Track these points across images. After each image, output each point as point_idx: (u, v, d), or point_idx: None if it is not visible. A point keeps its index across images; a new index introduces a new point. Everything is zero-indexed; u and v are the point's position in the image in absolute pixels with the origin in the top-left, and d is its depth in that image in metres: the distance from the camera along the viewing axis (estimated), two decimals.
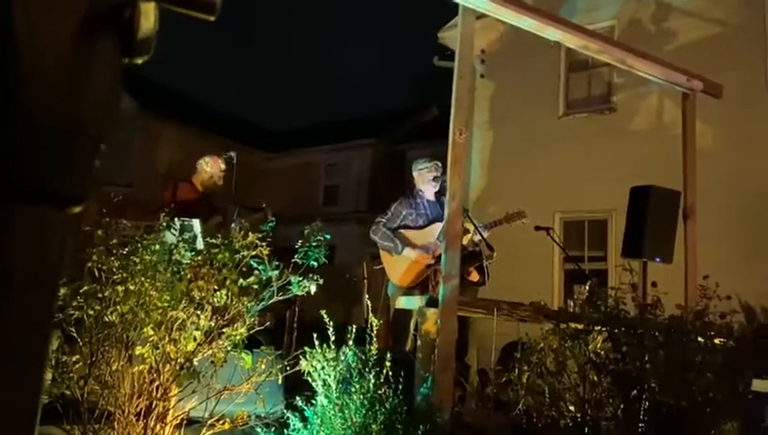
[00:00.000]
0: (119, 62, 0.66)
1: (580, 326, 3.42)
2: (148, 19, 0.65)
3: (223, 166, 5.16)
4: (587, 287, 4.22)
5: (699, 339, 3.32)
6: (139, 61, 0.68)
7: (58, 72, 0.60)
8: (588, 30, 4.72)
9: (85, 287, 2.76)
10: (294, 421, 2.99)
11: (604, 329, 3.34)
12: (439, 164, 4.71)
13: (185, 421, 2.89)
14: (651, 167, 6.50)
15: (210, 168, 5.16)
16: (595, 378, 3.30)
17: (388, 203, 4.87)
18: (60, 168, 0.61)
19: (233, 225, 3.15)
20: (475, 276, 4.91)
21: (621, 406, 3.21)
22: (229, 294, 2.86)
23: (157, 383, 2.77)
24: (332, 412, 2.94)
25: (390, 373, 2.96)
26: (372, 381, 2.94)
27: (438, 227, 4.52)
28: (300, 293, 3.09)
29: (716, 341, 3.45)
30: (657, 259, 4.76)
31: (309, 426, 2.97)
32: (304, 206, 17.24)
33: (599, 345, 3.40)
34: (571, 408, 3.38)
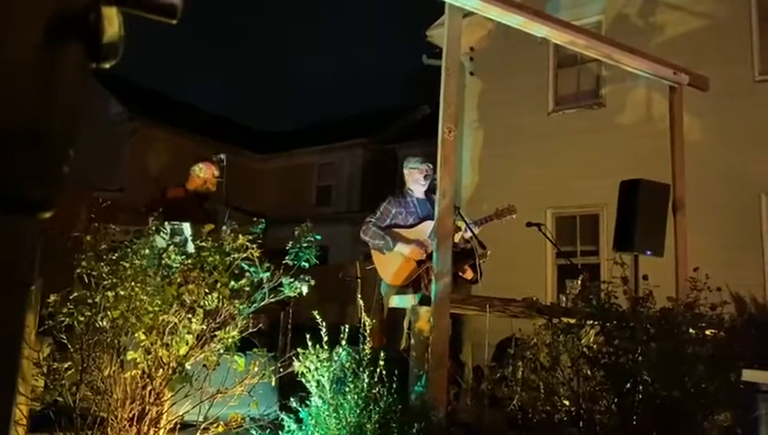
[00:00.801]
0: (85, 67, 0.66)
1: (573, 321, 3.43)
2: (113, 23, 0.65)
3: (216, 172, 5.17)
4: (579, 282, 4.24)
5: (691, 331, 3.34)
6: (107, 65, 0.68)
7: (23, 80, 0.59)
8: (574, 26, 4.73)
9: (75, 293, 2.75)
10: (289, 423, 2.98)
11: (596, 323, 3.35)
12: (431, 166, 4.71)
13: (179, 425, 2.88)
14: (641, 161, 6.54)
15: (204, 174, 5.16)
16: (588, 372, 3.32)
17: (380, 202, 4.86)
18: (26, 174, 0.61)
19: (224, 227, 3.13)
20: (469, 274, 4.92)
21: (615, 399, 3.23)
22: (220, 297, 2.85)
23: (149, 388, 2.76)
24: (327, 413, 2.94)
25: (384, 372, 2.96)
26: (366, 380, 2.94)
27: (429, 224, 4.52)
28: (292, 294, 3.09)
29: (707, 332, 3.47)
30: (648, 252, 4.78)
31: (303, 427, 2.97)
32: (297, 206, 17.24)
33: (591, 339, 3.41)
34: (566, 402, 3.39)
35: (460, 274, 4.85)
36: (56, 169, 0.64)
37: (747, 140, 7.10)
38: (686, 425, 3.15)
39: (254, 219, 3.23)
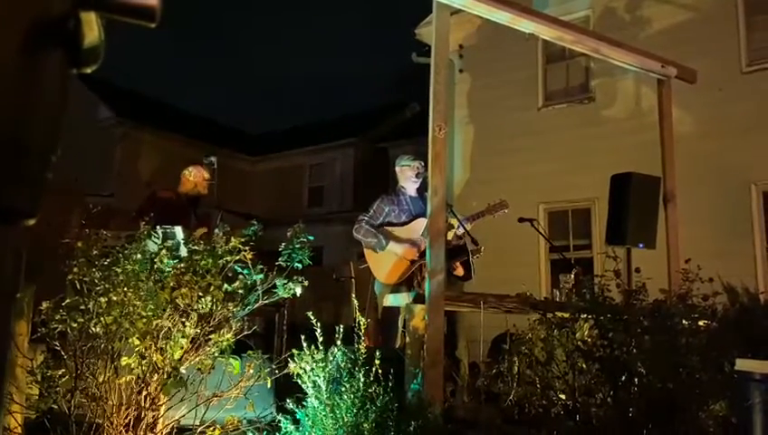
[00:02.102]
0: (66, 73, 0.66)
1: (567, 315, 3.45)
2: (92, 29, 0.65)
3: (207, 175, 5.14)
4: (572, 276, 4.26)
5: (684, 322, 3.36)
6: (88, 70, 0.68)
7: (3, 88, 0.59)
8: (561, 21, 4.75)
9: (68, 300, 2.73)
10: (286, 424, 2.98)
11: (590, 317, 3.36)
12: (422, 163, 4.73)
13: (175, 430, 2.87)
14: (632, 154, 6.57)
15: (194, 177, 5.13)
16: (583, 365, 3.33)
17: (373, 201, 4.87)
18: (8, 182, 0.61)
19: (216, 230, 3.12)
20: (460, 271, 4.93)
21: (611, 392, 3.24)
22: (214, 300, 2.85)
23: (145, 393, 2.75)
24: (324, 413, 2.94)
25: (380, 371, 2.96)
26: (362, 379, 2.94)
27: (422, 222, 4.53)
28: (286, 295, 3.08)
29: (700, 323, 3.49)
30: (641, 245, 4.81)
31: (300, 428, 2.97)
32: (290, 208, 17.22)
33: (586, 333, 3.42)
34: (562, 396, 3.40)
35: (450, 271, 4.86)
36: (39, 176, 0.63)
37: (736, 131, 7.15)
38: (682, 415, 3.16)
39: (254, 218, 3.22)
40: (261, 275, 3.00)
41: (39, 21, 0.60)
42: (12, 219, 0.62)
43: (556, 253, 7.52)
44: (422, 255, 4.44)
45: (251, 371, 2.99)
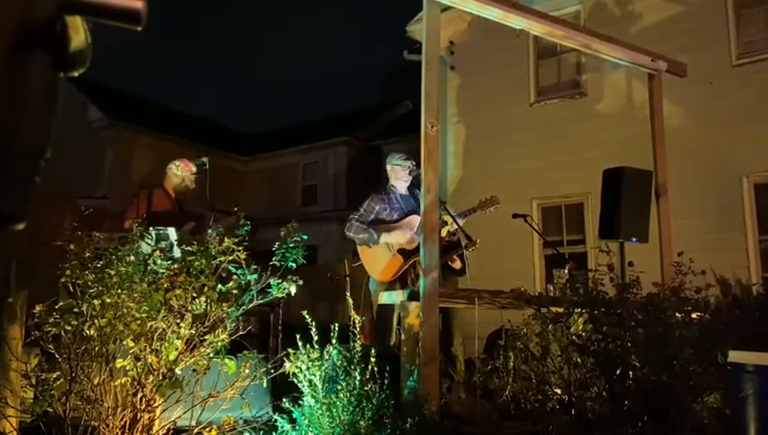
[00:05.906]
0: (53, 76, 0.66)
1: (561, 310, 3.46)
2: (78, 32, 0.65)
3: (194, 169, 5.07)
4: (566, 271, 4.27)
5: (677, 314, 3.38)
6: (75, 74, 0.68)
7: None
8: (551, 16, 4.76)
9: (61, 303, 2.72)
10: (282, 424, 2.98)
11: (584, 311, 3.38)
12: (413, 162, 4.73)
13: (171, 431, 2.87)
14: (624, 148, 6.59)
15: (181, 171, 5.07)
16: (578, 359, 3.34)
17: (364, 200, 4.86)
18: None
19: (209, 230, 3.11)
20: (458, 264, 4.96)
21: (605, 385, 3.26)
22: (208, 300, 2.84)
23: (140, 395, 2.74)
24: (320, 412, 2.94)
25: (376, 369, 2.97)
26: (358, 377, 2.94)
27: (413, 219, 4.54)
28: (280, 295, 3.08)
29: (694, 315, 3.51)
30: (634, 239, 4.82)
31: (297, 427, 2.97)
32: (284, 207, 17.18)
33: (580, 327, 3.44)
34: (557, 390, 3.41)
35: (450, 263, 4.89)
36: (27, 180, 0.63)
37: (727, 124, 7.19)
38: (676, 408, 3.18)
39: (235, 208, 3.19)
40: (255, 275, 3.00)
41: (25, 25, 0.60)
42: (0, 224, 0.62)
43: (550, 248, 7.54)
44: (416, 251, 4.44)
45: (247, 371, 2.98)
